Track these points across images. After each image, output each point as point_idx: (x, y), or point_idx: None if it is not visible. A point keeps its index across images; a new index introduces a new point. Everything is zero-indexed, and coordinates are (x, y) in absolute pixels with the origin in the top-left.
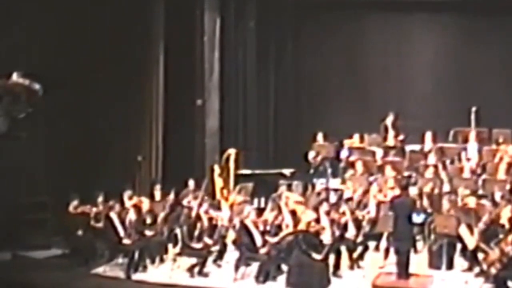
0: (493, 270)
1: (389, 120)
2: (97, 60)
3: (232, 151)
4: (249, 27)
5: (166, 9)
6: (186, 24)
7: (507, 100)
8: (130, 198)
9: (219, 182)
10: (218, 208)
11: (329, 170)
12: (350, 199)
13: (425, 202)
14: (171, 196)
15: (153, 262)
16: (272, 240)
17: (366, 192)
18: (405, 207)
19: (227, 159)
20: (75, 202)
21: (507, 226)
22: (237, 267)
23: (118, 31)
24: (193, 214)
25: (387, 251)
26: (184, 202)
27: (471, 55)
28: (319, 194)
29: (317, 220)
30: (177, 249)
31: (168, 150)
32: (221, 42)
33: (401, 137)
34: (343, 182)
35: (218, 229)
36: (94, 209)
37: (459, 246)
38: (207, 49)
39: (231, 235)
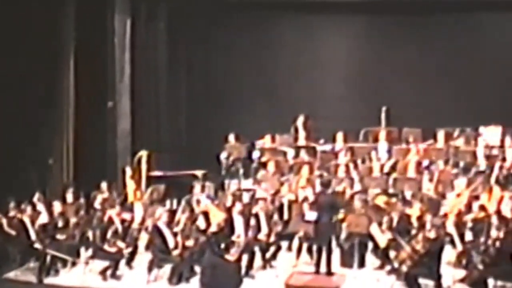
0: (404, 268)
1: (299, 122)
2: (6, 61)
3: (143, 153)
4: (159, 29)
5: (76, 10)
6: (97, 25)
7: (417, 100)
8: (40, 200)
9: (131, 184)
10: (130, 210)
11: (241, 171)
12: (262, 199)
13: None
14: (82, 200)
15: (65, 265)
16: (185, 242)
17: (277, 192)
18: (328, 204)
19: (139, 160)
20: None
21: (416, 224)
22: (150, 269)
23: (28, 32)
24: (106, 216)
25: (299, 250)
26: (96, 205)
27: (380, 56)
28: (233, 195)
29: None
30: (90, 252)
31: (79, 153)
32: (132, 43)
33: (321, 143)
34: (255, 182)
35: (131, 232)
36: (4, 220)
37: (370, 244)
38: (117, 50)
39: (143, 237)
